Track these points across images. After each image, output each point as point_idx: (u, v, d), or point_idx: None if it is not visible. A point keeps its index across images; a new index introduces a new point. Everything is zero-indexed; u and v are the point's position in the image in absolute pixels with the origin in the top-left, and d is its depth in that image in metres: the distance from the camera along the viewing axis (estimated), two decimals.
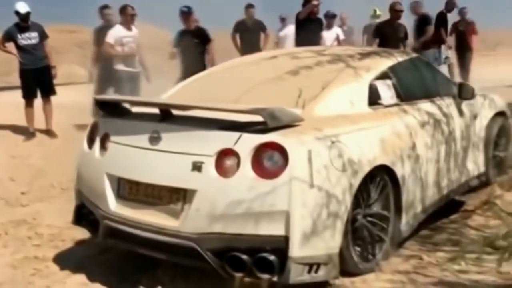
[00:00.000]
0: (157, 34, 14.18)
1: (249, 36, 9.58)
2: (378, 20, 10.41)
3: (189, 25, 8.31)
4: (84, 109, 7.66)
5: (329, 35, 9.82)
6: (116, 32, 7.96)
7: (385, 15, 9.94)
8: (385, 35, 8.65)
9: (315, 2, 8.18)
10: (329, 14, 10.01)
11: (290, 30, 10.06)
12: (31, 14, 7.74)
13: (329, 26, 9.96)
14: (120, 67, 7.94)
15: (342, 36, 10.02)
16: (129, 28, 8.00)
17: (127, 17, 7.98)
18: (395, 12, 8.72)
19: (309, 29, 8.25)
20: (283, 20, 10.64)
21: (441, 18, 10.16)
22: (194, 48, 8.09)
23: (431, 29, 9.53)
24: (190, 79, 4.65)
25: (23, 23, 7.70)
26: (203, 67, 7.75)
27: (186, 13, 8.26)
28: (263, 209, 3.03)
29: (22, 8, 7.64)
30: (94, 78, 8.49)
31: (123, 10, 8.00)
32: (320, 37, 8.59)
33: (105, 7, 8.53)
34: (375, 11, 10.57)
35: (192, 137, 3.26)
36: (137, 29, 8.25)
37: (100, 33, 8.30)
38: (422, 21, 9.59)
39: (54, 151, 7.33)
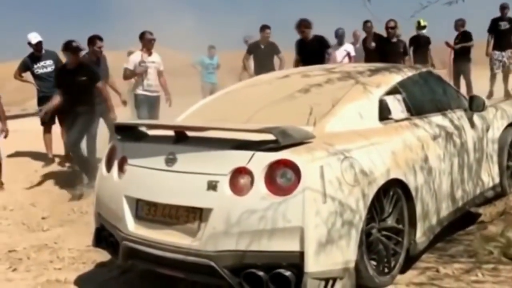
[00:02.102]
0: (172, 57, 14.44)
1: (262, 58, 9.42)
2: (424, 32, 10.58)
3: (73, 62, 6.99)
4: (100, 134, 7.82)
5: (338, 53, 9.91)
6: (135, 58, 8.10)
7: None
8: (385, 52, 8.99)
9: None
10: (338, 32, 10.11)
11: None
12: (44, 43, 7.93)
13: (339, 44, 10.08)
14: (138, 91, 8.08)
15: (353, 53, 10.07)
16: (149, 54, 8.11)
17: (146, 42, 8.09)
18: (387, 28, 9.36)
19: (307, 50, 8.32)
20: (246, 42, 10.73)
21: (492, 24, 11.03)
22: (78, 87, 6.81)
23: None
24: (204, 100, 4.76)
25: (37, 52, 7.91)
26: (91, 109, 6.92)
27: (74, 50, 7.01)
28: (278, 226, 3.09)
29: (34, 38, 7.86)
30: None
31: (142, 35, 8.11)
32: (324, 54, 8.38)
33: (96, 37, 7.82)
34: (419, 22, 10.52)
35: (206, 157, 3.34)
36: (159, 54, 8.35)
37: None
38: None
39: (73, 176, 7.46)
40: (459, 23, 11.00)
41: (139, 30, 8.16)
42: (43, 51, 7.94)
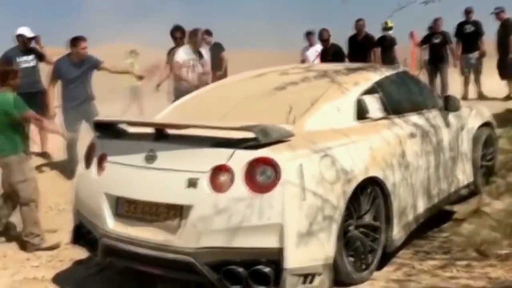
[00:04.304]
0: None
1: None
2: (390, 32, 10.63)
3: None
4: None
5: (310, 53, 10.02)
6: (186, 53, 7.52)
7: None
8: (323, 59, 9.37)
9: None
10: (308, 32, 10.21)
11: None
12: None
13: (311, 44, 10.15)
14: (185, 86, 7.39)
15: None
16: (196, 50, 7.63)
17: (198, 39, 7.75)
18: (320, 41, 9.72)
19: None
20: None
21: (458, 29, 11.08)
22: None
23: None
24: (183, 98, 4.77)
25: (25, 47, 7.79)
26: None
27: None
28: (257, 223, 3.13)
29: (29, 32, 7.74)
30: None
31: (194, 32, 7.61)
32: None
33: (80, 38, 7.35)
34: (386, 23, 10.49)
35: (186, 155, 3.36)
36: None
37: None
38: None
39: (51, 173, 7.39)
40: (438, 22, 11.10)
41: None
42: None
